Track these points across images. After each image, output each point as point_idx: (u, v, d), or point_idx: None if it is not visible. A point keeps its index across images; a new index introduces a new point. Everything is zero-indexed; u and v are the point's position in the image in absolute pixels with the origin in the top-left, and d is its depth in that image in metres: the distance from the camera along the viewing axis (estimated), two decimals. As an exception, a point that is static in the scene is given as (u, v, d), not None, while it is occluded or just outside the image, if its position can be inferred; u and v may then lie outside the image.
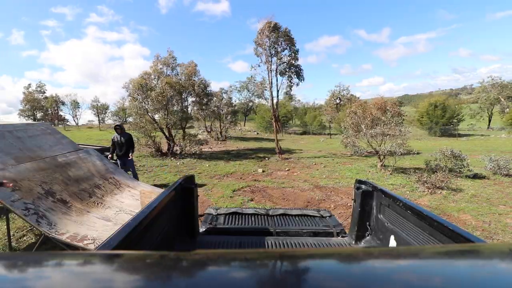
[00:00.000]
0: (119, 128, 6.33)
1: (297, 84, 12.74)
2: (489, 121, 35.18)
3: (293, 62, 12.39)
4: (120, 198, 4.50)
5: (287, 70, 12.41)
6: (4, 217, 3.58)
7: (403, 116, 9.94)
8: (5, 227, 3.66)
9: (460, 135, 25.60)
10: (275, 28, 11.75)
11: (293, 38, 12.17)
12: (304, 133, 33.32)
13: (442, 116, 27.74)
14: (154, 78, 12.18)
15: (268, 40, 11.93)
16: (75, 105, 41.73)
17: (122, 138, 6.29)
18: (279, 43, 12.04)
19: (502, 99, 32.51)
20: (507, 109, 30.34)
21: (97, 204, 4.08)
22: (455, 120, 28.25)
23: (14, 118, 39.49)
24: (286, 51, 12.32)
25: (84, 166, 4.86)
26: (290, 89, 12.85)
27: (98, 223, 3.53)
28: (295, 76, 12.59)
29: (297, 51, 12.47)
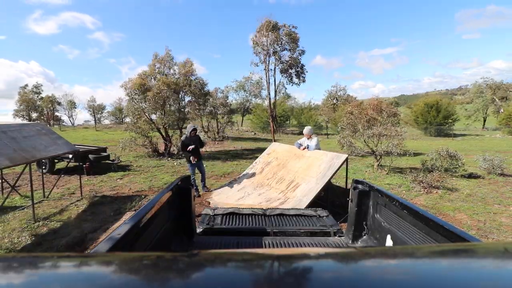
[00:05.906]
0: (194, 131, 6.53)
1: (298, 85, 12.55)
2: (484, 121, 35.52)
3: (296, 61, 12.11)
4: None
5: (288, 69, 12.18)
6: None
7: (399, 116, 9.99)
8: (4, 226, 3.84)
9: (455, 135, 25.83)
10: (275, 27, 11.49)
11: (297, 37, 11.79)
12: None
13: (437, 116, 27.97)
14: (152, 78, 12.06)
15: (266, 39, 11.72)
16: (71, 105, 41.40)
17: (193, 139, 6.47)
18: (279, 42, 11.79)
19: (497, 100, 32.86)
20: (502, 110, 30.68)
21: (272, 188, 5.45)
22: (450, 120, 28.51)
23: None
24: (286, 51, 12.10)
25: (312, 162, 5.58)
26: (285, 86, 12.70)
27: (252, 195, 5.30)
28: (296, 76, 12.39)
29: (303, 51, 12.08)
